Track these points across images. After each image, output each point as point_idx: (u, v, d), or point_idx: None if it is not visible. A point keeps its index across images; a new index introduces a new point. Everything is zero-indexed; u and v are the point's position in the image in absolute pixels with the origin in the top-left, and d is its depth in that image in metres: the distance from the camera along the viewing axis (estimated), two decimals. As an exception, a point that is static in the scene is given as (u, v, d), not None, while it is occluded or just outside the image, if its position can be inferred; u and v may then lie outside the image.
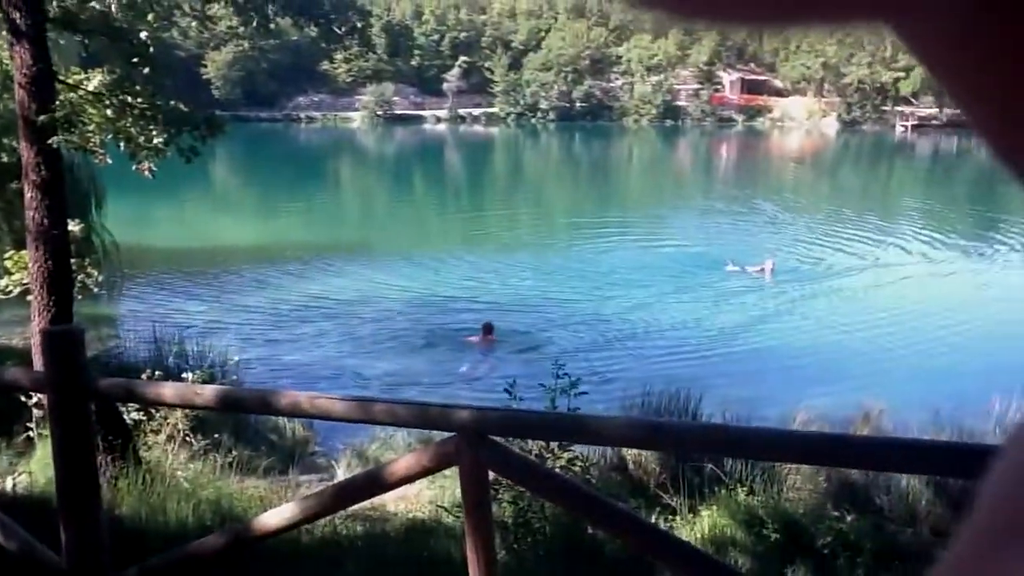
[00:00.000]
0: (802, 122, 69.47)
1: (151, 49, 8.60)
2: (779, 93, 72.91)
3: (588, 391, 8.52)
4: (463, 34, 76.17)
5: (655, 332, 13.52)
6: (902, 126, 65.98)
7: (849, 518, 5.10)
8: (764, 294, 15.89)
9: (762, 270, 17.06)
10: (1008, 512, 0.17)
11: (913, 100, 67.71)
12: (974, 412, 7.69)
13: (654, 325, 13.84)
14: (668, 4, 0.20)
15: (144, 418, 6.42)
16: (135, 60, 8.25)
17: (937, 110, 67.73)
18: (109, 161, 8.60)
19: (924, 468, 4.27)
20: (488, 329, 13.18)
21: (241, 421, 7.66)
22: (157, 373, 7.01)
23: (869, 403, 7.91)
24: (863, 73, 65.84)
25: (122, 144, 8.11)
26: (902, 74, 64.59)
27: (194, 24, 10.59)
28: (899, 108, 67.55)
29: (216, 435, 6.70)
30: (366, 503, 4.93)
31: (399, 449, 6.88)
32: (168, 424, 6.43)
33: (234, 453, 6.49)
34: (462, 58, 74.53)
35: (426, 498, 5.65)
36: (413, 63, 75.82)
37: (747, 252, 18.70)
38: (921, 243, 21.20)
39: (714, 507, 5.35)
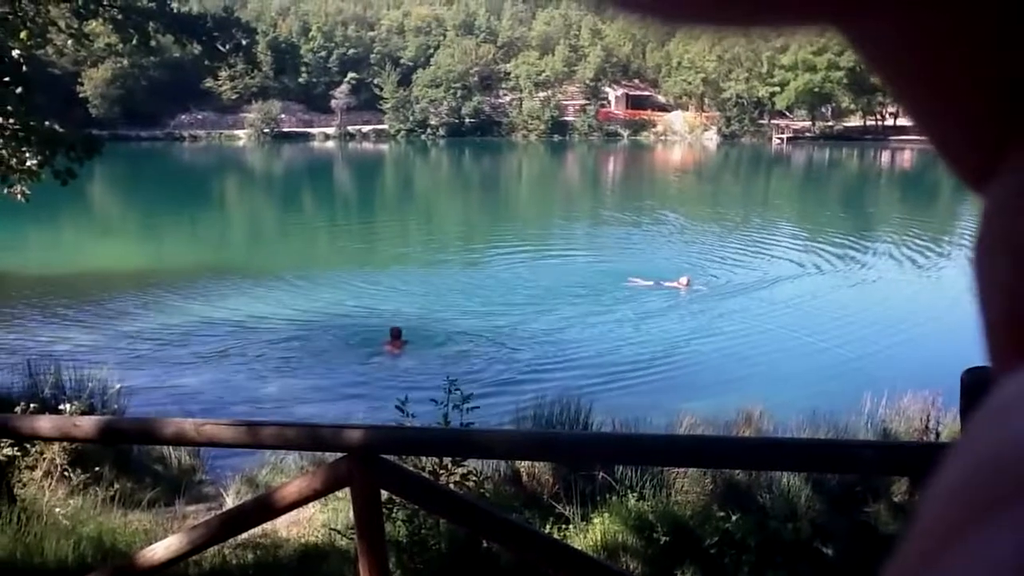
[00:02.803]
0: (684, 135, 71.81)
1: (24, 67, 8.26)
2: (662, 108, 75.22)
3: (495, 405, 8.57)
4: (351, 51, 75.59)
5: (571, 347, 13.47)
6: (778, 139, 68.99)
7: (734, 517, 5.28)
8: (681, 307, 15.92)
9: (678, 284, 16.99)
10: (956, 509, 0.17)
11: (788, 114, 70.98)
12: (847, 410, 8.11)
13: (569, 341, 13.80)
14: (638, 5, 0.21)
15: (18, 454, 6.11)
16: (7, 79, 7.91)
17: (810, 123, 71.18)
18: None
19: (801, 465, 4.50)
20: (396, 334, 13.17)
21: (123, 452, 7.38)
22: (32, 406, 6.70)
23: (750, 405, 8.24)
24: (741, 88, 68.54)
25: (-8, 167, 7.77)
26: (777, 89, 67.65)
27: (70, 42, 10.19)
28: (775, 121, 70.62)
29: (96, 468, 6.44)
30: (257, 530, 4.84)
31: (291, 473, 6.75)
32: (44, 459, 6.15)
33: (116, 486, 6.25)
34: (350, 75, 74.00)
35: (319, 521, 5.57)
36: (300, 80, 74.78)
37: (658, 265, 18.99)
38: (806, 252, 21.91)
39: (606, 514, 5.46)
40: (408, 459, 4.84)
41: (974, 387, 2.29)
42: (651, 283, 17.18)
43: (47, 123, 8.53)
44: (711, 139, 70.78)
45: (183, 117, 72.36)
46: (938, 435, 7.06)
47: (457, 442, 3.66)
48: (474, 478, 5.46)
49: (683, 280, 17.10)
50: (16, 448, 6.06)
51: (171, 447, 7.57)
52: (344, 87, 73.52)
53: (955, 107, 0.22)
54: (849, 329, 14.12)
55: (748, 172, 53.81)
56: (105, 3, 9.46)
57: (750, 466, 4.84)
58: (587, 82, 73.44)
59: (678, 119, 73.46)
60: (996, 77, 0.20)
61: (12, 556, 4.50)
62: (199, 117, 72.95)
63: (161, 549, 3.51)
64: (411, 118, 73.86)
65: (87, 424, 3.83)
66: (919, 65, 0.21)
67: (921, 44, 0.21)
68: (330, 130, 73.88)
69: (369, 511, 3.25)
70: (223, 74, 65.02)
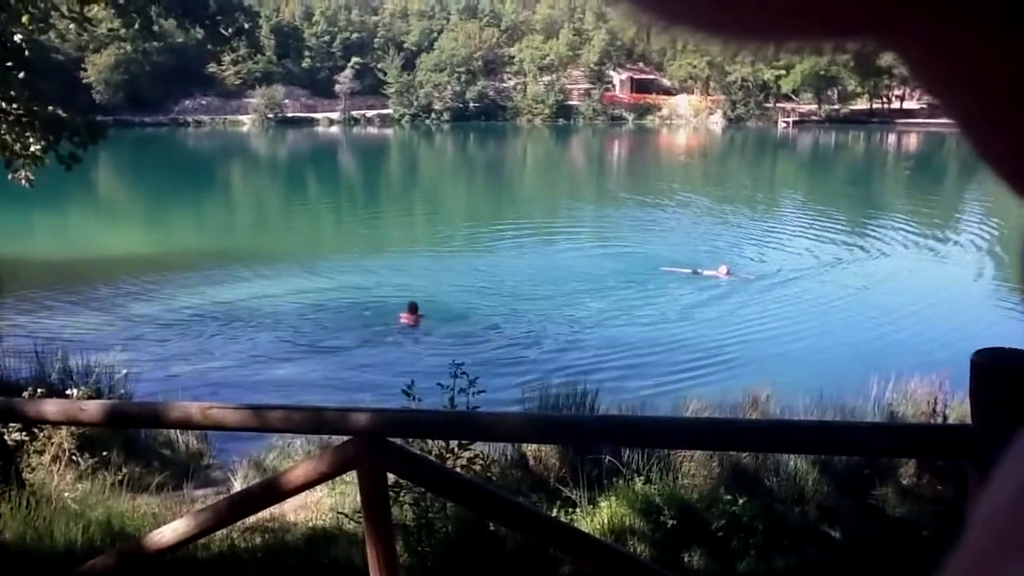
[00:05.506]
0: (689, 119, 71.46)
1: (27, 52, 8.24)
2: (667, 91, 74.86)
3: (502, 390, 8.57)
4: (355, 35, 75.31)
5: (595, 337, 13.29)
6: (784, 122, 68.61)
7: (741, 501, 5.28)
8: (716, 297, 15.68)
9: (717, 273, 16.69)
10: (1006, 528, 0.17)
11: (794, 97, 70.52)
12: (854, 393, 8.09)
13: (594, 330, 13.67)
14: (663, 16, 0.21)
15: (27, 439, 6.14)
16: (9, 64, 7.89)
17: (816, 106, 70.76)
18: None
19: (808, 448, 4.49)
20: (413, 308, 13.24)
21: (131, 437, 7.41)
22: (40, 391, 6.72)
23: (757, 389, 8.22)
24: (746, 71, 68.09)
25: (-4, 152, 7.76)
26: (783, 72, 67.14)
27: (72, 26, 10.15)
28: (780, 105, 70.21)
29: (105, 453, 6.46)
30: (265, 514, 4.86)
31: (298, 458, 6.76)
32: (53, 444, 6.17)
33: (124, 471, 6.27)
34: (354, 59, 73.71)
35: (327, 506, 5.59)
36: (304, 65, 74.57)
37: (682, 252, 18.88)
38: (817, 241, 21.61)
39: (613, 498, 5.46)
40: (415, 443, 4.84)
41: (984, 369, 2.27)
42: (689, 271, 16.92)
43: (51, 108, 8.51)
44: (716, 123, 70.46)
45: (187, 103, 72.24)
46: (945, 418, 7.04)
47: (464, 424, 3.65)
48: (481, 462, 5.46)
49: (722, 269, 16.84)
50: (24, 433, 6.09)
51: (179, 432, 7.60)
52: (348, 72, 73.24)
53: (994, 117, 0.21)
54: (856, 312, 14.09)
55: (755, 156, 53.54)
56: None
57: (758, 449, 4.83)
58: (591, 66, 73.11)
59: (683, 103, 73.11)
60: None
61: (22, 540, 4.52)
62: (203, 103, 72.83)
63: (169, 532, 3.52)
64: (415, 103, 73.62)
65: (93, 408, 3.83)
66: (952, 75, 0.21)
67: (949, 55, 0.20)
68: (334, 115, 73.68)
69: (376, 494, 3.24)
70: (226, 59, 64.91)
